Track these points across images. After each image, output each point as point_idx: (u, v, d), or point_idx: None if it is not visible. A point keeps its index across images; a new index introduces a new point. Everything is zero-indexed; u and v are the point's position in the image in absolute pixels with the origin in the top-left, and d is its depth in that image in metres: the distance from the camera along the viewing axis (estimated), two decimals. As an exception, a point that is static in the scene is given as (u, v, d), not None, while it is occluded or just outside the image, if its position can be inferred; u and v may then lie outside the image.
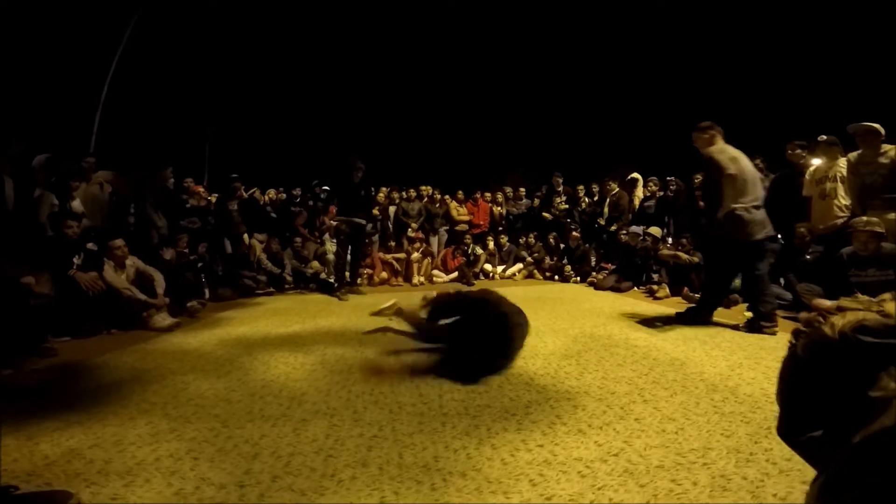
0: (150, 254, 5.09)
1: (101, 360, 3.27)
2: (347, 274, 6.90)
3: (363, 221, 6.73)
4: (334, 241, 7.09)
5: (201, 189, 8.15)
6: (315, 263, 7.41)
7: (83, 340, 3.85)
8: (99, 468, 1.75)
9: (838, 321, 0.93)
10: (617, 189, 8.35)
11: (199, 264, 5.98)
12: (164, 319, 4.32)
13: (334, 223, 6.78)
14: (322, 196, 8.40)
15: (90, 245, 4.43)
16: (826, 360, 0.93)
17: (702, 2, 14.71)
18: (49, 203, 4.76)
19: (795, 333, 1.08)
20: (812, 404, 0.97)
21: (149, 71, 13.49)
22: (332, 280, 6.95)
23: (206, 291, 5.95)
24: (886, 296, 3.34)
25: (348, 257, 6.81)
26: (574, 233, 8.30)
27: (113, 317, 4.20)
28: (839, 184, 4.93)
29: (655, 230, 7.07)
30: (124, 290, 4.23)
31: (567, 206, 9.04)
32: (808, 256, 4.99)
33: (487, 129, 17.70)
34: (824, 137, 5.16)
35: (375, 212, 8.56)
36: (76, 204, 5.12)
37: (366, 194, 6.81)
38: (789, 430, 1.02)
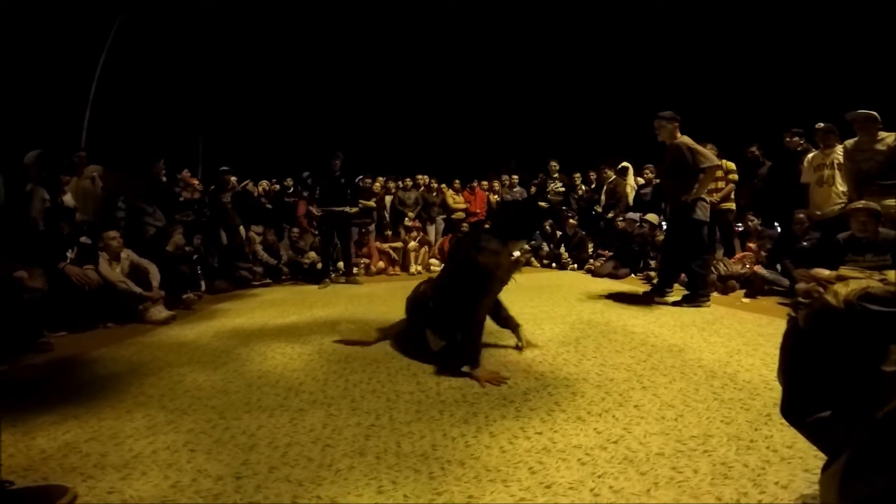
0: (144, 247, 5.05)
1: (98, 354, 3.25)
2: (342, 264, 6.91)
3: (345, 209, 6.70)
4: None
5: (195, 181, 8.09)
6: (312, 254, 7.38)
7: (79, 334, 3.83)
8: (95, 462, 1.73)
9: (842, 289, 0.88)
10: (613, 176, 8.33)
11: (195, 256, 5.95)
12: (159, 312, 4.30)
13: (318, 213, 6.75)
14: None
15: (83, 239, 4.39)
16: (831, 332, 0.88)
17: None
18: (40, 198, 4.70)
19: (794, 305, 1.03)
20: (818, 380, 0.91)
21: (139, 64, 13.35)
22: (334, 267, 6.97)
23: (202, 283, 5.93)
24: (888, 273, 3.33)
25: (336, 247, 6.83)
26: (571, 220, 8.28)
27: (109, 310, 4.17)
28: (836, 171, 4.94)
29: (652, 217, 7.05)
30: (119, 283, 4.20)
31: (564, 189, 9.01)
32: (805, 243, 4.98)
33: (483, 117, 17.61)
34: (821, 125, 5.15)
35: (372, 203, 8.53)
36: (67, 198, 5.07)
37: (346, 183, 6.77)
38: (794, 409, 0.96)
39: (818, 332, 0.90)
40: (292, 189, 8.65)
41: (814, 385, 0.92)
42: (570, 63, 17.07)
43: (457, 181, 9.46)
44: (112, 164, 6.10)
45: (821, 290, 0.94)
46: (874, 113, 4.53)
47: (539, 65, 17.60)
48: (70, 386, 2.62)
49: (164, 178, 6.94)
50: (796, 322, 0.96)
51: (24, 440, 1.91)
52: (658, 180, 7.80)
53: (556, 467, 1.60)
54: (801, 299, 1.03)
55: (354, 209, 6.95)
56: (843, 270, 1.03)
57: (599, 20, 16.28)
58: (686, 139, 4.49)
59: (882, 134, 4.52)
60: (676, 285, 5.66)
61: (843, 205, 4.84)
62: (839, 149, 4.94)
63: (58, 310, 3.81)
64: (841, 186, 4.91)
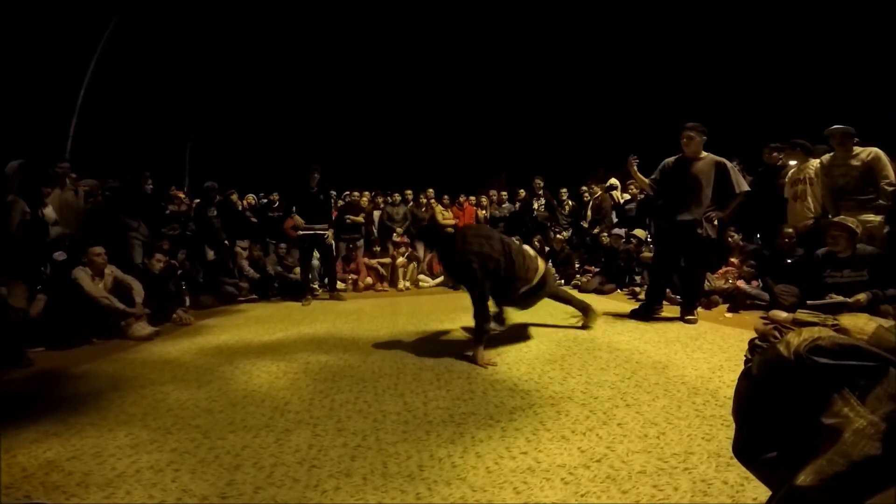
0: (128, 262, 5.01)
1: (79, 370, 3.22)
2: (327, 280, 6.87)
3: (325, 231, 6.61)
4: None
5: (182, 194, 8.04)
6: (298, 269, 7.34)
7: (60, 350, 3.77)
8: (78, 480, 1.72)
9: (794, 339, 0.89)
10: (600, 192, 8.43)
11: (179, 272, 5.90)
12: (143, 328, 4.26)
13: (300, 232, 6.60)
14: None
15: (58, 255, 4.32)
16: (781, 380, 0.90)
17: (679, 10, 14.97)
18: (20, 210, 4.62)
19: (751, 348, 1.05)
20: (767, 424, 0.93)
21: (128, 72, 13.28)
22: (315, 284, 6.92)
23: (187, 299, 5.87)
24: (861, 296, 3.42)
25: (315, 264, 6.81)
26: (558, 236, 8.35)
27: (91, 326, 4.12)
28: (808, 186, 5.04)
29: (640, 232, 7.14)
30: (102, 298, 4.16)
31: (546, 211, 9.07)
32: (789, 261, 5.01)
33: (472, 132, 17.76)
34: (796, 141, 5.29)
35: (360, 218, 8.52)
36: (48, 211, 5.00)
37: (325, 199, 6.69)
38: (744, 450, 0.99)
39: (769, 380, 0.93)
40: (278, 204, 8.61)
41: (762, 428, 0.94)
42: (559, 79, 17.32)
43: (446, 197, 9.50)
44: (100, 176, 6.08)
45: (777, 335, 0.96)
46: (851, 128, 4.64)
47: (528, 81, 17.84)
48: (51, 402, 2.60)
49: (151, 188, 6.89)
50: (751, 368, 0.98)
51: (4, 458, 1.89)
52: (642, 195, 7.88)
53: (540, 487, 1.61)
54: (758, 342, 1.05)
55: (329, 231, 6.78)
56: (800, 315, 1.06)
57: (587, 38, 16.56)
58: (724, 159, 4.44)
59: (856, 149, 4.62)
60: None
61: (812, 219, 4.96)
62: (812, 163, 5.05)
63: (38, 325, 3.76)
64: (813, 202, 5.02)
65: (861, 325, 0.92)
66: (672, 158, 4.60)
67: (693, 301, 4.54)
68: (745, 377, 1.00)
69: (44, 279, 4.05)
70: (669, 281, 4.95)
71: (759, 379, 0.95)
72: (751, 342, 1.07)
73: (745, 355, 1.05)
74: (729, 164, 4.36)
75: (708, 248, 4.52)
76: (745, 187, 4.37)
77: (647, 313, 4.69)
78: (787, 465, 0.82)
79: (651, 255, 6.31)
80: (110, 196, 6.00)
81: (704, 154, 4.41)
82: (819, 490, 0.72)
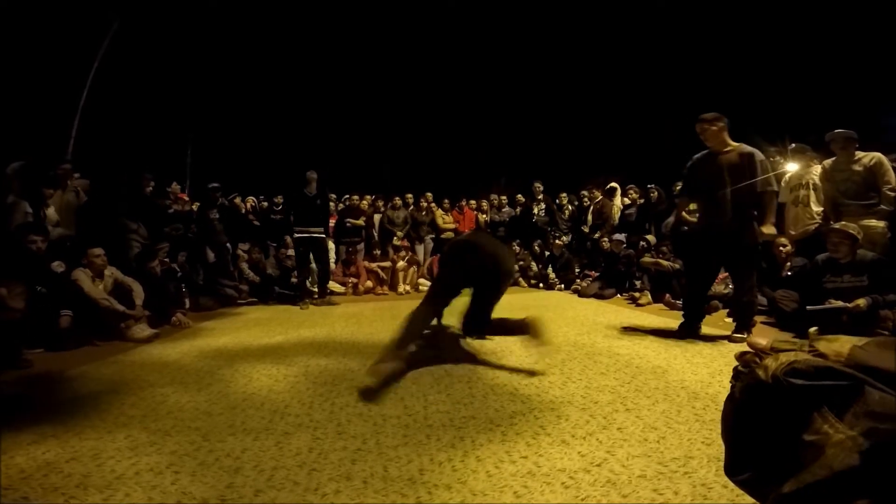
0: (127, 264, 4.99)
1: (78, 372, 3.20)
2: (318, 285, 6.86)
3: (321, 234, 6.58)
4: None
5: (184, 196, 8.05)
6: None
7: (59, 352, 3.76)
8: (77, 482, 1.72)
9: (771, 364, 0.96)
10: (600, 197, 8.44)
11: (179, 273, 5.89)
12: (142, 330, 4.25)
13: (296, 235, 6.54)
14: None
15: (56, 265, 4.29)
16: (762, 402, 0.96)
17: (679, 14, 15.02)
18: (22, 211, 4.63)
19: (735, 374, 1.11)
20: (753, 444, 0.99)
21: (132, 73, 13.28)
22: (314, 288, 6.90)
23: (187, 301, 5.86)
24: (860, 301, 3.44)
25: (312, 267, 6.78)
26: (557, 241, 8.35)
27: (91, 328, 4.11)
28: (811, 191, 5.05)
29: (651, 238, 7.18)
30: (102, 300, 4.15)
31: (546, 216, 9.07)
32: (789, 273, 4.98)
33: (472, 136, 17.78)
34: (793, 145, 5.30)
35: (361, 222, 8.53)
36: (51, 212, 5.00)
37: (322, 204, 6.62)
38: (732, 468, 1.05)
39: (751, 403, 1.00)
40: (281, 206, 8.61)
41: (749, 448, 1.01)
42: (558, 83, 17.36)
43: (446, 200, 9.52)
44: (100, 176, 6.07)
45: (757, 360, 1.02)
46: (853, 132, 4.64)
47: (528, 84, 17.86)
48: (50, 404, 2.59)
49: (152, 188, 6.86)
50: (734, 392, 1.05)
51: (3, 459, 1.88)
52: (642, 200, 7.88)
53: (540, 491, 1.61)
54: (741, 368, 1.12)
55: (323, 234, 6.68)
56: (777, 343, 1.13)
57: (587, 41, 16.61)
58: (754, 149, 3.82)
59: (858, 154, 4.62)
60: (661, 305, 5.74)
61: (815, 224, 4.95)
62: (815, 168, 5.05)
63: (37, 326, 3.76)
64: (815, 207, 5.02)
65: (836, 348, 0.98)
66: (700, 154, 4.05)
67: (746, 318, 3.95)
68: (729, 401, 1.09)
69: (43, 281, 4.03)
70: (706, 293, 4.24)
71: (742, 402, 1.03)
72: (734, 369, 1.13)
73: (731, 381, 1.11)
74: (759, 155, 3.74)
75: (753, 254, 3.95)
76: (772, 187, 3.77)
77: (688, 332, 4.07)
78: (774, 481, 0.87)
79: (652, 259, 6.32)
80: (102, 194, 5.95)
81: (733, 145, 3.85)
82: (802, 500, 0.76)
